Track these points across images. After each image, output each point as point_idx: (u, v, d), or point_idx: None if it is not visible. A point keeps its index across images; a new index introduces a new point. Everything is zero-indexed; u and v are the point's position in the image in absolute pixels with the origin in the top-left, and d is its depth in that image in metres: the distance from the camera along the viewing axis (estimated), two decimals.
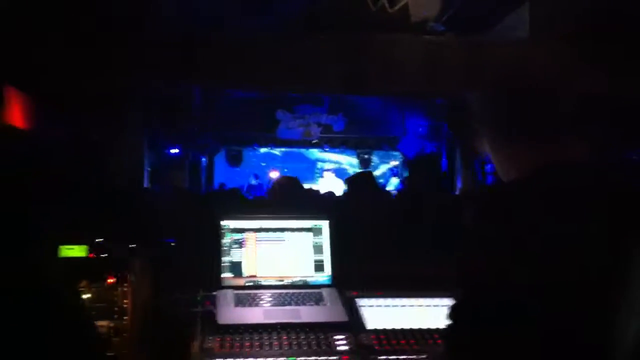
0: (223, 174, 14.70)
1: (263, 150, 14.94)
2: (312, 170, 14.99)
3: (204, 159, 14.15)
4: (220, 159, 14.81)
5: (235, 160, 14.69)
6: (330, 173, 13.68)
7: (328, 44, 7.20)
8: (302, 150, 15.16)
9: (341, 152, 15.17)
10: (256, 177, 14.21)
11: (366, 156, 15.02)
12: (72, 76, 6.84)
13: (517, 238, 1.32)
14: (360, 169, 14.74)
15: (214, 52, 7.20)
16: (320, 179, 13.93)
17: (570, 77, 1.53)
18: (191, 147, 12.66)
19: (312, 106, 13.35)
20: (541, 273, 1.29)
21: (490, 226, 1.40)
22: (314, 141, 14.07)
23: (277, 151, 15.12)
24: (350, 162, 15.18)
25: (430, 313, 2.50)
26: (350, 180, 4.64)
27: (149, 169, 10.45)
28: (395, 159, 14.81)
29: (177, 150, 12.29)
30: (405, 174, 13.73)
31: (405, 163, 14.01)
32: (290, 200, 3.55)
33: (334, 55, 7.22)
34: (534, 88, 1.50)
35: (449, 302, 2.16)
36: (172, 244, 2.94)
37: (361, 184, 4.13)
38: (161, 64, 7.10)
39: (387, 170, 14.91)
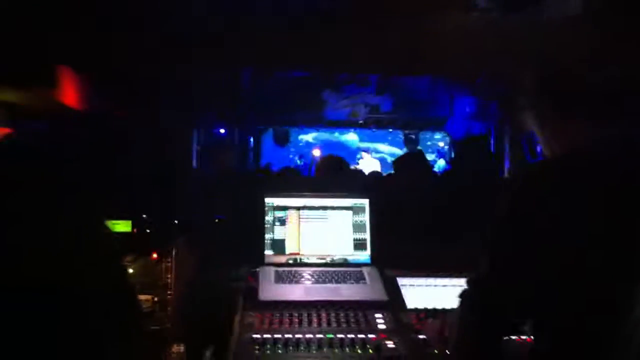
0: (270, 154, 14.79)
1: (310, 134, 14.97)
2: (353, 158, 14.95)
3: (251, 139, 14.27)
4: (267, 139, 14.90)
5: (282, 140, 14.76)
6: (367, 154, 13.67)
7: (374, 24, 7.12)
8: (342, 139, 15.14)
9: (384, 138, 15.05)
10: (300, 157, 14.25)
11: (413, 137, 14.88)
12: (127, 58, 6.97)
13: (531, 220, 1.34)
14: (406, 150, 14.65)
15: (259, 34, 7.21)
16: (360, 160, 13.90)
17: (623, 53, 1.49)
18: (239, 127, 12.76)
19: (359, 86, 13.25)
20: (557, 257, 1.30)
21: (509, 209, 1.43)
22: (361, 122, 13.99)
23: (313, 138, 15.13)
24: (392, 152, 15.05)
25: None
26: (400, 161, 4.61)
27: (198, 148, 10.60)
28: (441, 140, 14.64)
29: (224, 130, 12.42)
30: (452, 155, 13.56)
31: (452, 144, 13.83)
32: (334, 179, 3.54)
33: (381, 35, 7.15)
34: (584, 64, 1.48)
35: None
36: (217, 221, 2.98)
37: (411, 164, 4.09)
38: (210, 47, 7.17)
39: (433, 151, 14.74)
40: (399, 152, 14.75)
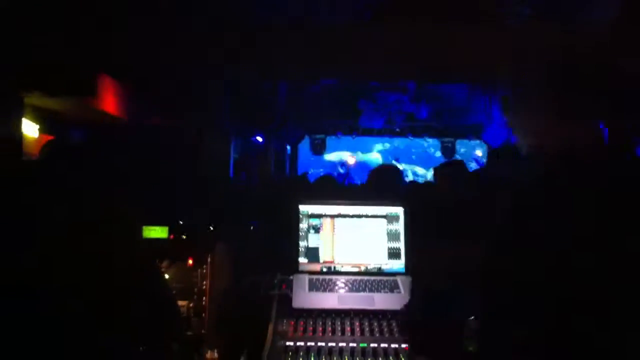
0: (306, 162, 14.86)
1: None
2: None
3: (288, 147, 14.36)
4: (303, 148, 14.97)
5: (318, 148, 14.81)
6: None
7: (409, 31, 7.11)
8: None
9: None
10: (342, 165, 14.31)
11: (449, 145, 14.77)
12: (166, 66, 7.08)
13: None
14: (443, 158, 14.54)
15: (293, 44, 7.26)
16: None
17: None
18: (276, 135, 12.85)
19: (395, 94, 13.21)
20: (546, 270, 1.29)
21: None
22: (397, 130, 13.95)
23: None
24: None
25: None
26: (442, 169, 4.56)
27: (235, 156, 10.70)
28: (479, 148, 14.50)
29: (261, 139, 12.51)
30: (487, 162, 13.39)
31: (489, 152, 13.68)
32: (385, 189, 3.51)
33: (417, 42, 7.12)
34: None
35: None
36: (252, 228, 3.00)
37: (454, 173, 4.04)
38: (248, 58, 7.24)
39: (471, 159, 14.63)
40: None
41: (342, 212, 2.78)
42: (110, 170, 2.01)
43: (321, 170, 14.20)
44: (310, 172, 13.85)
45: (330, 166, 14.62)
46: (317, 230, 2.75)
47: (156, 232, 2.37)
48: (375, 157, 15.21)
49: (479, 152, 14.42)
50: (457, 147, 14.80)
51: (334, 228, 2.76)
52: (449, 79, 9.41)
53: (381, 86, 12.74)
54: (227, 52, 7.13)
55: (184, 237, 2.40)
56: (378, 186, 3.51)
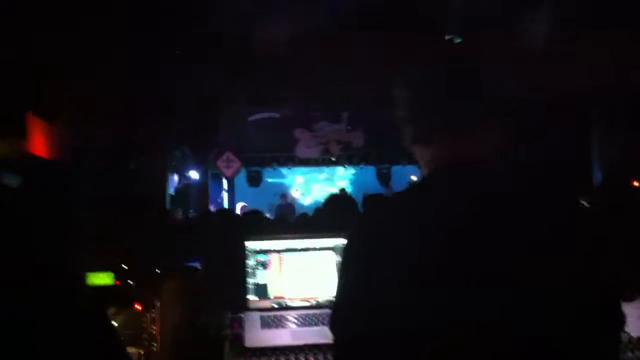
0: (243, 195, 14.77)
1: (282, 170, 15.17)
2: None
3: (224, 181, 14.23)
4: (239, 180, 14.88)
5: (254, 180, 14.76)
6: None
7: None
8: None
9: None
10: (283, 195, 14.31)
11: (385, 171, 14.99)
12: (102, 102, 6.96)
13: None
14: (380, 185, 14.75)
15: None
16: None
17: None
18: (212, 169, 12.74)
19: (331, 123, 13.34)
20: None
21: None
22: (333, 159, 14.07)
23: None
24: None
25: None
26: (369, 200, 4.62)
27: (171, 193, 10.54)
28: (415, 174, 14.74)
29: (197, 173, 12.37)
30: None
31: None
32: (340, 220, 3.49)
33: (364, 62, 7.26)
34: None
35: None
36: (198, 268, 2.95)
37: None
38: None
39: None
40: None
41: (290, 247, 2.77)
42: (49, 214, 1.93)
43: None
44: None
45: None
46: (265, 266, 2.72)
47: (101, 278, 2.29)
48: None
49: (414, 177, 14.64)
50: (393, 172, 15.02)
51: (281, 263, 2.74)
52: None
53: (319, 116, 12.85)
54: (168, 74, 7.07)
55: (131, 282, 2.33)
56: (332, 215, 3.51)
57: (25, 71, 6.04)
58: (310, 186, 16.28)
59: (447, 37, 7.62)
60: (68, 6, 6.06)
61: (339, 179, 16.40)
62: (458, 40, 9.02)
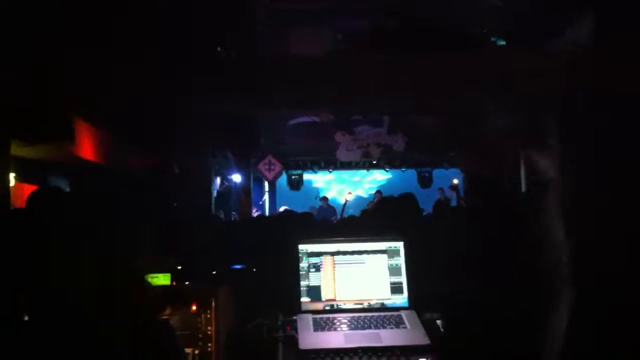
0: (284, 198, 14.86)
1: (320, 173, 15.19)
2: None
3: (266, 184, 14.34)
4: (280, 183, 14.98)
5: (295, 184, 14.83)
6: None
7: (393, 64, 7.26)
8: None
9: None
10: (323, 199, 14.32)
11: (426, 175, 14.91)
12: (148, 107, 7.07)
13: None
14: (421, 188, 14.69)
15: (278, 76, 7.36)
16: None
17: None
18: (254, 172, 12.85)
19: (371, 127, 13.33)
20: None
21: None
22: (374, 162, 14.05)
23: None
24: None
25: None
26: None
27: (214, 195, 10.66)
28: (456, 177, 14.62)
29: (239, 176, 12.50)
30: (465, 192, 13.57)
31: (466, 181, 13.82)
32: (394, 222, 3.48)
33: (401, 74, 7.26)
34: None
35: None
36: (253, 270, 2.97)
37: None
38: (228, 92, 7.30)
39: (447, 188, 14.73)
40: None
41: (342, 249, 2.77)
42: (101, 220, 1.97)
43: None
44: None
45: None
46: (317, 268, 2.72)
47: (159, 279, 2.33)
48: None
49: (455, 181, 14.51)
50: (434, 175, 14.94)
51: (334, 265, 2.74)
52: (434, 111, 9.58)
53: (359, 119, 12.85)
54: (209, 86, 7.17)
55: (187, 282, 2.35)
56: (388, 217, 3.50)
57: (75, 75, 6.17)
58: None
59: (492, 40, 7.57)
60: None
61: (369, 183, 16.44)
62: (501, 43, 8.96)
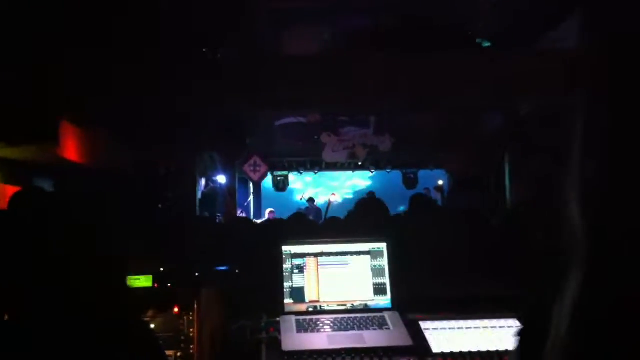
0: (269, 200, 14.85)
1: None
2: None
3: (251, 185, 14.31)
4: (266, 185, 14.97)
5: (281, 185, 14.82)
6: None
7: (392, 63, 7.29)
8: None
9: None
10: (312, 200, 14.31)
11: (412, 176, 14.96)
12: (133, 107, 7.04)
13: None
14: (406, 189, 14.76)
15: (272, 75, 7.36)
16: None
17: None
18: (239, 173, 12.82)
19: (358, 128, 13.33)
20: None
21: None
22: (360, 163, 14.07)
23: None
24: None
25: (496, 334, 2.45)
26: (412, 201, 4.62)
27: (199, 197, 10.62)
28: (441, 178, 14.69)
29: (224, 177, 12.46)
30: (449, 193, 13.66)
31: (451, 181, 13.89)
32: (371, 223, 3.50)
33: (399, 74, 7.29)
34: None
35: (514, 322, 2.12)
36: (236, 271, 2.96)
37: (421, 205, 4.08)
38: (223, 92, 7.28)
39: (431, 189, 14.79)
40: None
41: (325, 251, 2.77)
42: (85, 220, 1.94)
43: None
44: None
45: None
46: (301, 270, 2.72)
47: (140, 281, 2.31)
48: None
49: (440, 182, 14.57)
50: (420, 176, 14.99)
51: (318, 267, 2.73)
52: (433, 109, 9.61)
53: (347, 120, 12.85)
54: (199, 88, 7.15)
55: (169, 284, 2.34)
56: (364, 219, 3.51)
57: (58, 77, 6.12)
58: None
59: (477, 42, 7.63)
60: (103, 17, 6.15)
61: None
62: (487, 45, 9.01)
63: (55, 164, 7.18)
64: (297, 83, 7.34)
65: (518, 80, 6.88)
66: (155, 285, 2.35)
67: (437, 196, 13.93)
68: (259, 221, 12.70)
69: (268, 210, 13.30)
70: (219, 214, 11.72)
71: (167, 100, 7.10)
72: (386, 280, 2.73)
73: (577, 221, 0.90)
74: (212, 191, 12.34)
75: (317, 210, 13.73)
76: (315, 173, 15.10)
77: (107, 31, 6.22)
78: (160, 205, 6.52)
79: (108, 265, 1.79)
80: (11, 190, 6.12)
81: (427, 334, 2.47)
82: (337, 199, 13.95)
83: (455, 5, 7.68)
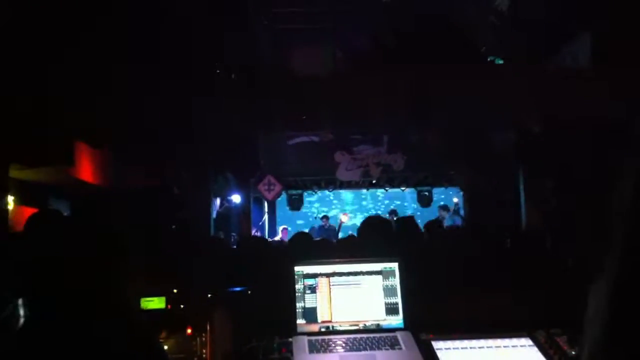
0: (284, 218, 14.87)
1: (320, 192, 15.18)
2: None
3: (265, 205, 14.35)
4: (280, 204, 14.99)
5: (295, 204, 14.83)
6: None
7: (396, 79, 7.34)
8: None
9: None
10: (326, 218, 14.29)
11: (426, 194, 14.91)
12: (147, 128, 7.12)
13: None
14: (421, 207, 14.72)
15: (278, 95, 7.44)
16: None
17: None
18: (253, 192, 12.88)
19: (371, 146, 13.35)
20: None
21: None
22: (374, 181, 14.06)
23: None
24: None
25: (509, 354, 2.44)
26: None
27: (214, 216, 10.67)
28: (456, 196, 14.62)
29: (239, 197, 12.53)
30: (465, 211, 13.58)
31: (466, 200, 13.81)
32: (379, 243, 3.49)
33: (402, 89, 7.34)
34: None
35: (526, 342, 2.11)
36: (248, 292, 2.97)
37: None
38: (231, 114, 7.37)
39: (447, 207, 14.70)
40: None
41: (337, 271, 2.78)
42: (101, 241, 1.98)
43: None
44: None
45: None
46: (313, 290, 2.73)
47: (154, 303, 2.34)
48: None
49: (455, 200, 14.50)
50: (434, 193, 14.94)
51: (330, 287, 2.74)
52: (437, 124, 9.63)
53: (359, 139, 12.88)
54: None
55: (182, 306, 2.36)
56: (369, 240, 3.52)
57: (73, 98, 6.21)
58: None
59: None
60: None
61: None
62: (499, 62, 9.04)
63: (71, 185, 7.27)
64: (299, 102, 7.42)
65: (524, 97, 6.89)
66: (169, 306, 2.37)
67: (453, 216, 13.82)
68: (272, 239, 12.84)
69: (281, 228, 13.33)
70: (233, 233, 11.77)
71: (180, 118, 7.19)
72: (398, 299, 2.73)
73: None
74: (227, 210, 12.40)
75: (332, 228, 13.71)
76: (330, 191, 15.11)
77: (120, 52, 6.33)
78: (173, 227, 6.57)
79: (120, 294, 1.82)
80: (28, 212, 6.20)
81: (439, 354, 2.47)
82: (347, 219, 13.93)
83: (467, 21, 7.74)
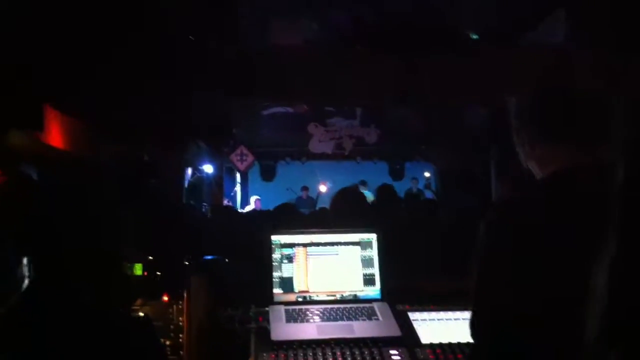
0: (256, 189, 14.81)
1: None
2: None
3: (237, 175, 14.27)
4: (253, 175, 14.91)
5: (268, 175, 14.78)
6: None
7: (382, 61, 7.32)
8: None
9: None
10: (303, 189, 14.25)
11: (397, 167, 14.98)
12: (120, 97, 6.99)
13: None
14: (392, 181, 14.79)
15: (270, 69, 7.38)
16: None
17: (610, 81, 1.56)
18: (226, 163, 12.78)
19: (344, 119, 13.33)
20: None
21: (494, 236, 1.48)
22: (346, 154, 14.06)
23: None
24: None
25: None
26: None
27: (186, 186, 10.57)
28: (427, 170, 14.72)
29: (211, 167, 12.42)
30: (437, 185, 13.69)
31: (438, 174, 13.91)
32: (353, 214, 3.48)
33: (389, 70, 7.32)
34: (576, 91, 1.54)
35: None
36: (225, 260, 2.95)
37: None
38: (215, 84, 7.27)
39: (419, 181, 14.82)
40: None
41: (315, 241, 2.76)
42: (78, 207, 1.92)
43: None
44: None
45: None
46: (290, 259, 2.71)
47: (130, 269, 2.30)
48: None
49: (427, 174, 14.60)
50: (406, 168, 15.02)
51: (307, 257, 2.73)
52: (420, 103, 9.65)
53: (332, 111, 12.84)
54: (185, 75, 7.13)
55: (159, 273, 2.33)
56: (344, 211, 3.50)
57: (44, 64, 6.05)
58: None
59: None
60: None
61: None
62: (474, 37, 9.02)
63: (40, 151, 7.11)
64: (280, 76, 7.36)
65: (500, 75, 6.91)
66: (145, 273, 2.34)
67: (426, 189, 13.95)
68: (245, 209, 12.78)
69: (254, 198, 13.28)
70: (205, 203, 11.70)
71: (150, 90, 7.07)
72: (375, 270, 2.73)
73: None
74: (198, 180, 12.30)
75: (310, 200, 13.70)
76: (303, 163, 15.07)
77: (96, 25, 6.17)
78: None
79: (102, 257, 1.78)
80: None
81: (415, 325, 2.48)
82: (327, 189, 13.92)
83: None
